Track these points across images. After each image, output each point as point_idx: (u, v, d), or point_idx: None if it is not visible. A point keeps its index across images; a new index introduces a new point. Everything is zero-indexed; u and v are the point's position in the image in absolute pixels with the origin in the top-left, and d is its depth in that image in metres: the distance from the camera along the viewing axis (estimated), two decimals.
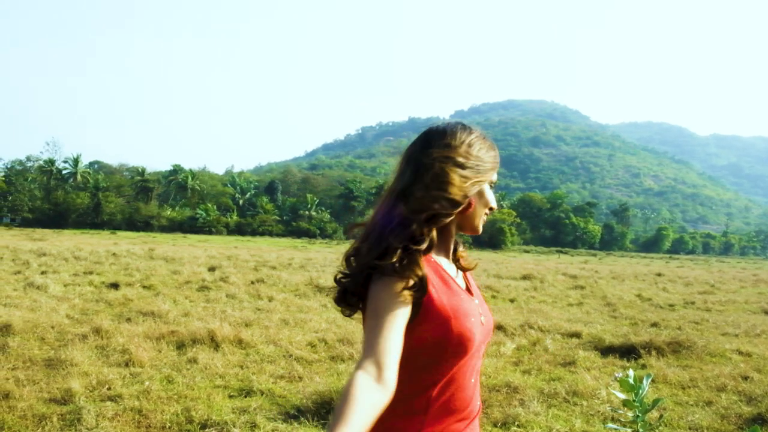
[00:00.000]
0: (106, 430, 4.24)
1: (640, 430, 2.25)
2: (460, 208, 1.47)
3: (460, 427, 1.47)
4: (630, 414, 2.29)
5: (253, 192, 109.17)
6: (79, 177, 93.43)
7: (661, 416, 2.43)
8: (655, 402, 2.23)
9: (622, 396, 2.26)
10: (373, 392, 1.18)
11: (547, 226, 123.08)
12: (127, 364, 6.01)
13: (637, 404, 2.22)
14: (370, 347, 1.27)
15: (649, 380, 2.25)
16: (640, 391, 2.20)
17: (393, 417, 1.39)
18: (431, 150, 1.48)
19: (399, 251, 1.36)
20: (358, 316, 1.48)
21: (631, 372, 2.25)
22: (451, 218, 1.49)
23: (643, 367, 7.01)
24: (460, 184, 1.46)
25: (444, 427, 1.43)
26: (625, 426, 2.37)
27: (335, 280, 1.46)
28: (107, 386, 5.21)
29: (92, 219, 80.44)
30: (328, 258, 28.31)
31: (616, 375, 2.26)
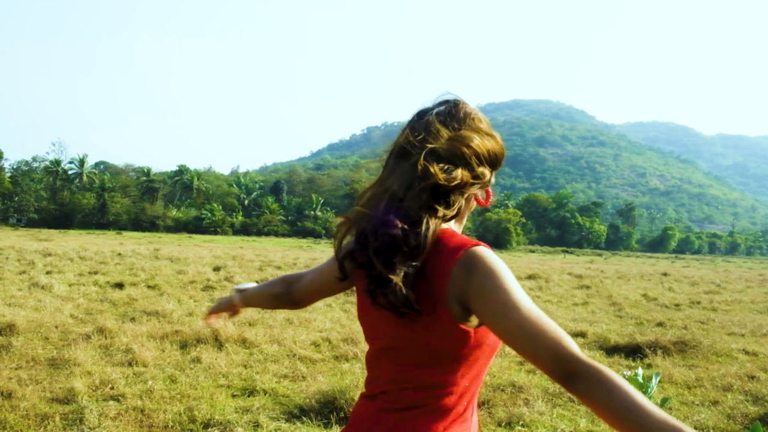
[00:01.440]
0: (108, 429, 4.22)
1: None
2: (490, 175, 1.40)
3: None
4: None
5: (258, 192, 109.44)
6: (84, 177, 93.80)
7: None
8: (663, 401, 2.20)
9: None
10: None
11: (553, 225, 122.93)
12: (130, 364, 5.98)
13: None
14: (564, 336, 1.19)
15: (658, 379, 2.21)
16: (649, 390, 2.17)
17: (446, 425, 1.33)
18: (458, 111, 1.40)
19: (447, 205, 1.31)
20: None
21: (639, 371, 2.22)
22: (470, 203, 1.42)
23: (649, 366, 6.95)
24: (497, 139, 1.41)
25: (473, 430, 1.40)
26: None
27: (393, 288, 1.26)
28: (110, 386, 5.19)
29: (98, 219, 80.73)
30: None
31: (625, 373, 2.23)
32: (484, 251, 1.28)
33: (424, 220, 1.27)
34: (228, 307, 1.92)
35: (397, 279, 1.25)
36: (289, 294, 1.75)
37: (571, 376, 1.16)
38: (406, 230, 1.26)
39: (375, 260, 1.28)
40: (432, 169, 1.27)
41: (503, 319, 1.21)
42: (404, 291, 1.25)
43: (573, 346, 1.18)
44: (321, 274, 1.65)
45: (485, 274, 1.24)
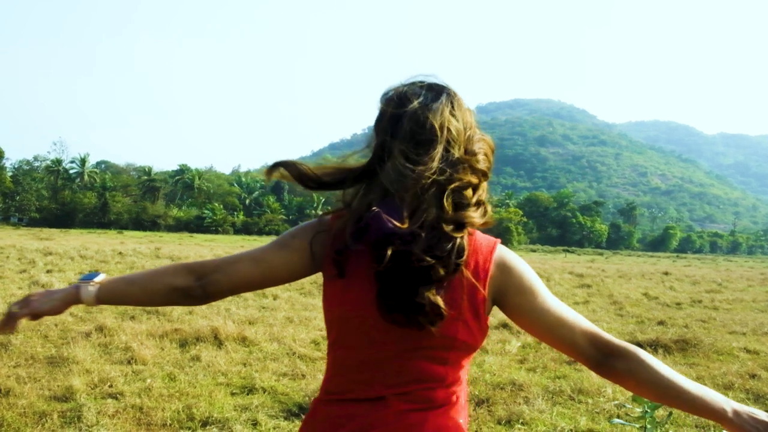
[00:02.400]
0: (106, 427, 4.20)
1: (648, 425, 2.20)
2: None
3: None
4: (638, 410, 2.24)
5: (259, 191, 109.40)
6: (86, 177, 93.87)
7: (670, 413, 2.39)
8: None
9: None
10: None
11: (554, 225, 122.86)
12: (129, 362, 5.97)
13: (647, 400, 2.16)
14: (591, 323, 1.36)
15: None
16: None
17: (465, 418, 1.36)
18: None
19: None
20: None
21: None
22: None
23: None
24: (490, 142, 1.40)
25: None
26: (631, 423, 2.33)
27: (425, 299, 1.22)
28: (109, 384, 5.18)
29: (99, 219, 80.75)
30: None
31: None
32: (508, 249, 1.37)
33: (456, 250, 1.25)
34: (58, 305, 1.43)
35: (433, 296, 1.22)
36: (201, 287, 1.39)
37: (609, 357, 1.31)
38: (441, 258, 1.23)
39: (409, 277, 1.22)
40: (464, 215, 1.27)
41: (544, 313, 1.33)
42: (436, 304, 1.23)
43: (602, 330, 1.34)
44: (265, 264, 1.38)
45: (522, 271, 1.34)
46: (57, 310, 1.42)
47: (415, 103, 1.31)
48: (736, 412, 1.23)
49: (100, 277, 1.43)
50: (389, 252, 1.21)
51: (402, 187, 1.24)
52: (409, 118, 1.29)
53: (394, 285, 1.22)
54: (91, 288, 1.41)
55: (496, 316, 10.13)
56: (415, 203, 1.23)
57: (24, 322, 5.15)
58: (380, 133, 1.35)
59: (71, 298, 1.41)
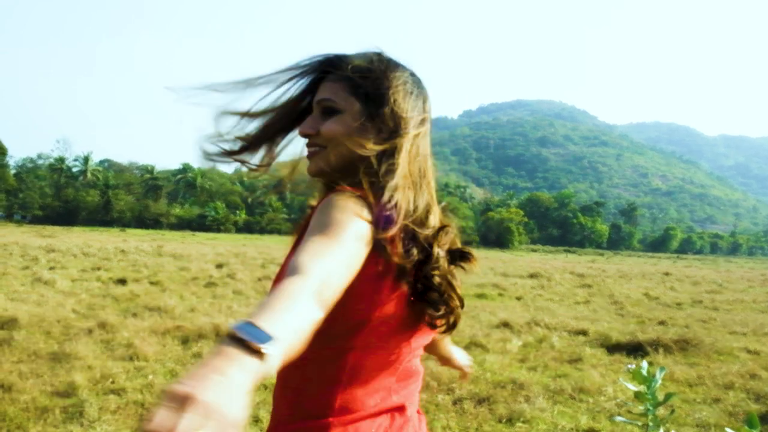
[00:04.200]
0: (107, 422, 4.21)
1: (650, 423, 2.20)
2: None
3: None
4: (641, 407, 2.25)
5: (261, 190, 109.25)
6: (89, 175, 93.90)
7: (672, 411, 2.40)
8: (668, 396, 2.17)
9: (634, 388, 2.21)
10: None
11: (555, 225, 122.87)
12: (131, 358, 5.97)
13: (650, 397, 2.17)
14: None
15: (663, 373, 2.20)
16: (653, 384, 2.15)
17: None
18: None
19: None
20: None
21: (645, 364, 2.20)
22: None
23: (650, 364, 6.93)
24: None
25: None
26: (633, 420, 2.33)
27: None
28: (111, 380, 5.18)
29: (102, 216, 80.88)
30: None
31: (630, 366, 2.21)
32: None
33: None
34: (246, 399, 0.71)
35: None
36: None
37: None
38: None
39: (449, 273, 1.15)
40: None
41: None
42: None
43: None
44: (354, 271, 1.00)
45: None
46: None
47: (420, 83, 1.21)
48: (456, 354, 1.61)
49: (274, 340, 0.76)
50: (439, 250, 1.12)
51: (418, 178, 1.14)
52: (421, 99, 1.18)
53: (434, 282, 1.11)
54: (276, 355, 0.76)
55: (497, 314, 10.13)
56: (427, 196, 1.15)
57: (27, 318, 5.10)
58: (382, 105, 1.14)
59: (255, 376, 0.73)
